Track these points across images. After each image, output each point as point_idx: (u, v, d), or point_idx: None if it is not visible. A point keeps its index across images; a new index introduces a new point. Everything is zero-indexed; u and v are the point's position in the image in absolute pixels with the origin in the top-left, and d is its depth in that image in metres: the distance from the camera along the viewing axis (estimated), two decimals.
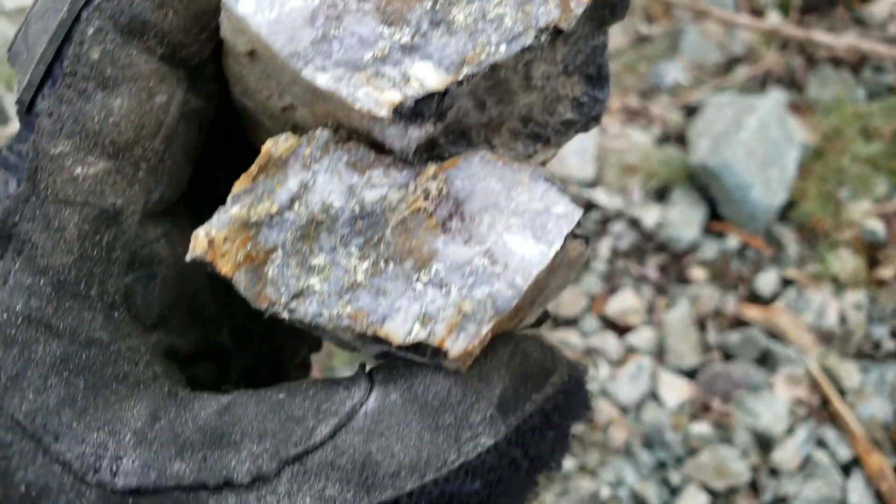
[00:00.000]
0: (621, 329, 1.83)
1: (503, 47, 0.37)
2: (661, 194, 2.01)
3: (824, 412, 1.71)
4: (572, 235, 0.38)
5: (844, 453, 1.64)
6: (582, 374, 0.38)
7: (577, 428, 1.61)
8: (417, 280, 0.36)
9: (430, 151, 0.40)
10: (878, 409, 1.69)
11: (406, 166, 0.38)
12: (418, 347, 0.35)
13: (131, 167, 0.36)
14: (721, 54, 2.19)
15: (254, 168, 0.36)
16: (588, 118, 0.44)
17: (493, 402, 0.35)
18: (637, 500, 1.67)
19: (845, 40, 2.01)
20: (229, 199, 0.36)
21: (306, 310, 0.36)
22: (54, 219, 0.35)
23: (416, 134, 0.37)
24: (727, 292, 1.84)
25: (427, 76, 0.36)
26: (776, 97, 1.98)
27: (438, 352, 0.35)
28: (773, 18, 2.20)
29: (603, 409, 1.70)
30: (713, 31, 2.21)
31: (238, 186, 0.36)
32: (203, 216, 0.40)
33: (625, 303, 1.83)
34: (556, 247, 0.35)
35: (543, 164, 0.45)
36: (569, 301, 1.83)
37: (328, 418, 0.35)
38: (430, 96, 0.36)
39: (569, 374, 0.38)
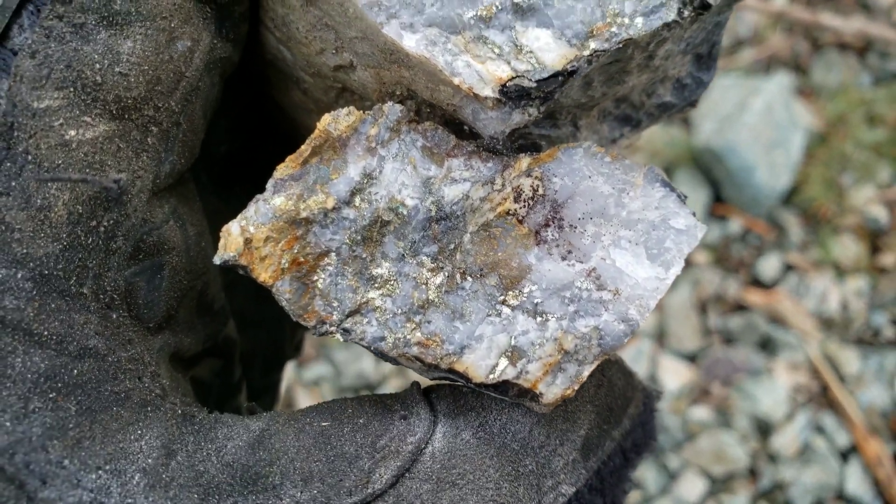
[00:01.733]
0: None
1: (639, 21, 0.29)
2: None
3: (824, 398, 1.70)
4: None
5: (843, 440, 1.63)
6: (654, 402, 0.34)
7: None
8: (504, 302, 0.29)
9: (515, 135, 0.33)
10: (877, 397, 1.68)
11: (492, 156, 0.30)
12: (501, 385, 0.28)
13: (139, 132, 0.28)
14: (727, 36, 2.16)
15: (305, 148, 0.29)
16: (686, 102, 0.38)
17: (578, 444, 0.30)
18: (635, 485, 1.64)
19: (852, 24, 1.98)
20: (270, 184, 0.29)
21: (364, 331, 0.29)
22: (36, 195, 0.26)
23: (518, 119, 0.29)
24: (728, 276, 1.82)
25: (545, 48, 0.28)
26: (781, 80, 1.96)
27: (527, 393, 0.28)
28: (780, 1, 2.17)
29: None
30: None
31: (283, 170, 0.29)
32: (202, 182, 0.34)
33: None
34: (676, 271, 0.29)
35: (628, 148, 0.39)
36: None
37: (388, 459, 0.28)
38: (555, 75, 0.28)
39: (644, 402, 0.33)
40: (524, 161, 0.30)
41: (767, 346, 1.76)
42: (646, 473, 1.60)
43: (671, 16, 0.29)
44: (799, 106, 1.98)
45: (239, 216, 0.28)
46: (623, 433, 0.32)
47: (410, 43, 0.28)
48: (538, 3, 0.29)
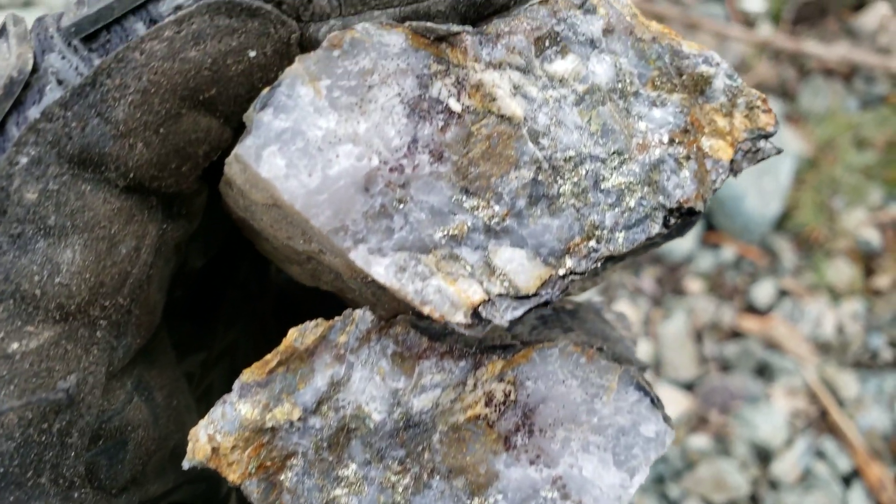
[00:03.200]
0: None
1: (621, 235, 0.28)
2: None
3: (823, 423, 1.70)
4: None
5: (844, 465, 1.63)
6: None
7: None
8: None
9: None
10: (877, 420, 1.67)
11: (465, 355, 0.29)
12: None
13: (87, 329, 0.27)
14: None
15: (271, 358, 0.28)
16: (678, 235, 0.34)
17: None
18: None
19: (836, 51, 2.02)
20: (237, 386, 0.28)
21: None
22: None
23: (494, 328, 0.29)
24: (723, 304, 1.84)
25: (518, 270, 0.27)
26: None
27: None
28: (765, 30, 2.21)
29: None
30: (705, 43, 2.21)
31: (249, 375, 0.28)
32: (177, 298, 0.33)
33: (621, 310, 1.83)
34: (640, 479, 0.28)
35: (610, 275, 0.38)
36: None
37: None
38: (529, 310, 0.27)
39: None
40: (498, 364, 0.29)
41: (764, 372, 1.77)
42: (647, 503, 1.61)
43: (655, 228, 0.27)
44: (787, 132, 2.00)
45: (206, 419, 0.28)
46: None
47: (379, 270, 0.26)
48: (512, 225, 0.27)
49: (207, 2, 0.26)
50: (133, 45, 0.26)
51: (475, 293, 0.26)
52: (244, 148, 0.26)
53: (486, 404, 0.29)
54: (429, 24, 0.27)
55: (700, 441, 1.67)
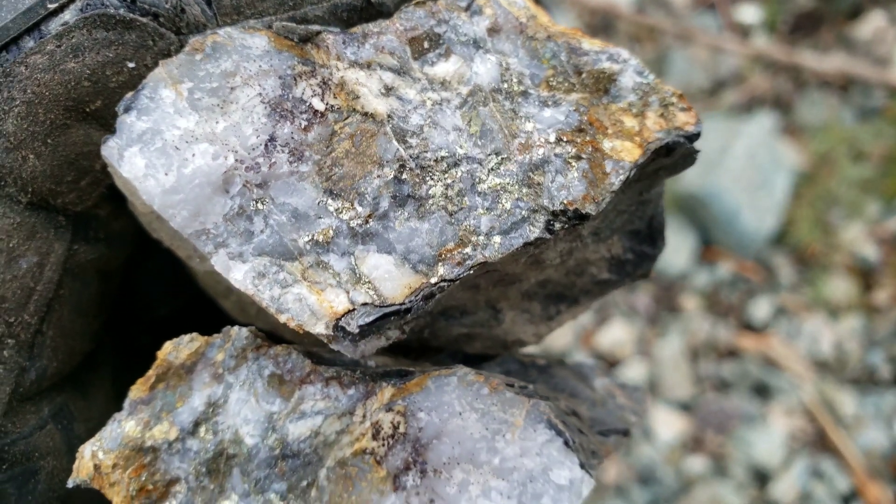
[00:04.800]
0: (612, 362, 1.80)
1: (496, 240, 0.26)
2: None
3: (821, 443, 1.68)
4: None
5: (843, 485, 1.61)
6: None
7: None
8: None
9: (411, 330, 0.29)
10: (876, 439, 1.65)
11: (355, 381, 0.28)
12: None
13: None
14: (707, 78, 2.18)
15: (151, 374, 0.28)
16: (633, 276, 0.34)
17: None
18: None
19: (832, 63, 2.00)
20: (126, 403, 0.28)
21: None
22: None
23: (373, 345, 0.27)
24: (720, 322, 1.82)
25: (385, 277, 0.26)
26: (763, 122, 1.97)
27: None
28: (760, 41, 2.18)
29: None
30: (699, 55, 2.20)
31: (136, 391, 0.28)
32: (144, 346, 0.32)
33: (615, 335, 1.81)
34: None
35: (572, 319, 0.34)
36: (557, 335, 1.80)
37: None
38: (385, 316, 0.25)
39: None
40: (387, 391, 0.27)
41: (761, 391, 1.75)
42: None
43: (535, 233, 0.26)
44: (783, 146, 1.98)
45: (96, 436, 0.28)
46: None
47: (237, 276, 0.26)
48: (377, 228, 0.26)
49: (86, 16, 0.27)
50: (19, 59, 0.27)
51: (340, 304, 0.25)
52: (107, 149, 0.26)
53: (373, 437, 0.26)
54: (290, 24, 0.27)
55: (696, 463, 1.65)
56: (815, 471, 1.64)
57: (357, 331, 0.25)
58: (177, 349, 0.28)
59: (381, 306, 0.26)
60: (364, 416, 0.27)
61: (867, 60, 2.06)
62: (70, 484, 0.27)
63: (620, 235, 0.33)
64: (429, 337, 0.32)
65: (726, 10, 2.23)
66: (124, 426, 0.27)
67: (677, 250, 1.90)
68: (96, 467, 0.27)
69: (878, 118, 2.01)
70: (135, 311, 0.37)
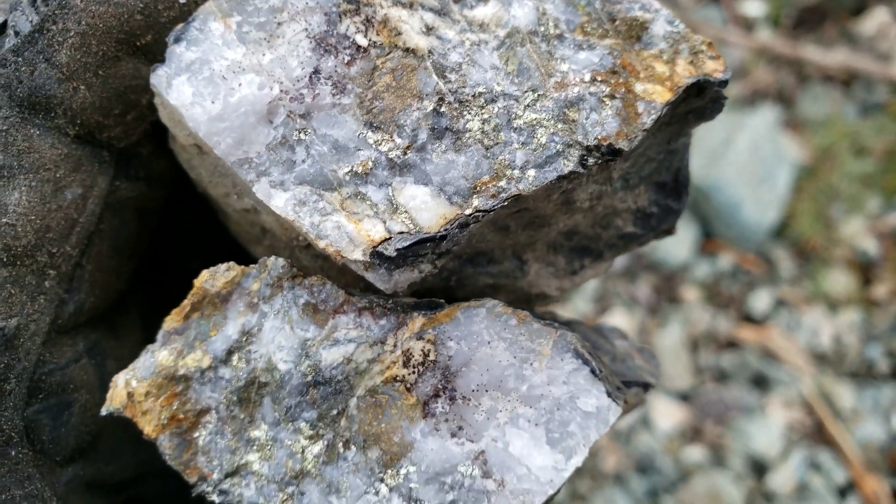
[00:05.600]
0: None
1: (531, 173, 0.27)
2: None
3: (819, 435, 1.68)
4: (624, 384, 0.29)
5: (840, 477, 1.61)
6: None
7: None
8: (382, 480, 0.26)
9: (436, 275, 0.31)
10: (873, 432, 1.66)
11: (387, 312, 0.28)
12: None
13: (34, 276, 0.28)
14: None
15: (186, 303, 0.28)
16: (657, 231, 0.34)
17: None
18: None
19: (835, 57, 2.00)
20: (159, 335, 0.28)
21: (241, 493, 0.27)
22: None
23: (406, 276, 0.28)
24: (719, 313, 1.82)
25: (421, 208, 0.26)
26: (766, 115, 1.97)
27: None
28: (764, 34, 2.18)
29: None
30: None
31: (170, 322, 0.28)
32: (174, 298, 0.32)
33: (616, 325, 1.81)
34: (577, 461, 0.26)
35: (594, 278, 0.35)
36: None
37: None
38: (421, 241, 0.26)
39: None
40: (418, 321, 0.28)
41: (760, 383, 1.75)
42: None
43: (569, 166, 0.27)
44: (785, 139, 1.98)
45: (129, 366, 0.28)
46: None
47: (279, 203, 0.27)
48: (414, 159, 0.27)
49: None
50: None
51: (377, 232, 0.26)
52: (156, 77, 0.27)
53: (404, 365, 0.27)
54: None
55: (695, 453, 1.65)
56: (812, 463, 1.65)
57: (394, 254, 0.26)
58: (213, 277, 0.28)
59: (417, 233, 0.26)
60: (395, 346, 0.28)
61: (870, 56, 2.06)
62: (104, 412, 0.28)
63: (647, 186, 0.33)
64: (455, 286, 0.33)
65: (730, 4, 2.23)
66: (157, 356, 0.28)
67: (679, 241, 1.90)
68: (129, 395, 0.27)
69: (881, 113, 2.01)
70: (166, 261, 0.37)
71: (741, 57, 2.15)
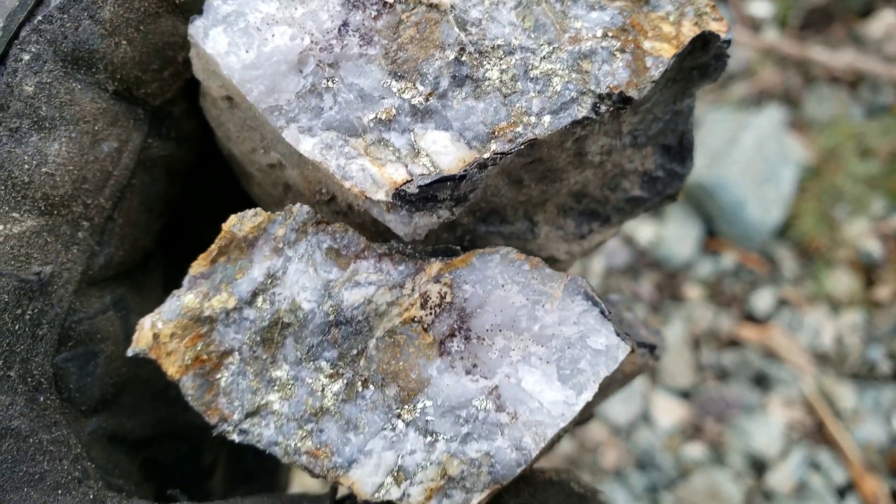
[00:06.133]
0: None
1: (547, 119, 0.28)
2: (655, 211, 1.99)
3: (819, 435, 1.68)
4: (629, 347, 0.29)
5: (839, 477, 1.62)
6: None
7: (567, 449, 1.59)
8: (399, 416, 0.28)
9: (451, 232, 0.32)
10: (874, 432, 1.66)
11: (405, 258, 0.29)
12: None
13: (69, 226, 0.30)
14: None
15: (213, 248, 0.29)
16: (662, 196, 0.35)
17: None
18: None
19: (842, 59, 2.00)
20: (186, 280, 0.29)
21: (261, 433, 0.28)
22: None
23: (426, 221, 0.29)
24: (722, 312, 1.82)
25: (442, 152, 0.28)
26: (772, 115, 1.97)
27: None
28: (771, 35, 2.18)
29: (594, 431, 1.67)
30: None
31: (196, 267, 0.30)
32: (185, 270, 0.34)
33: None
34: (587, 396, 0.27)
35: (600, 245, 0.36)
36: None
37: None
38: (442, 180, 0.27)
39: None
40: (435, 266, 0.29)
41: (761, 382, 1.75)
42: None
43: (582, 112, 0.28)
44: (791, 140, 1.98)
45: (155, 310, 0.29)
46: None
47: (307, 147, 0.28)
48: (437, 105, 0.28)
49: None
50: None
51: (399, 175, 0.27)
52: (194, 28, 0.28)
53: (422, 306, 0.29)
54: None
55: (695, 450, 1.66)
56: (812, 462, 1.65)
57: (417, 191, 0.27)
58: (241, 221, 0.29)
59: (439, 173, 0.28)
60: (413, 289, 0.29)
61: (877, 57, 2.06)
62: (130, 353, 0.28)
63: (654, 148, 0.35)
64: (468, 246, 0.34)
65: (738, 4, 2.23)
66: (183, 299, 0.29)
67: (682, 239, 1.90)
68: (155, 337, 0.28)
69: (887, 115, 2.01)
70: (188, 229, 0.38)
71: (748, 57, 2.15)
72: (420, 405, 0.28)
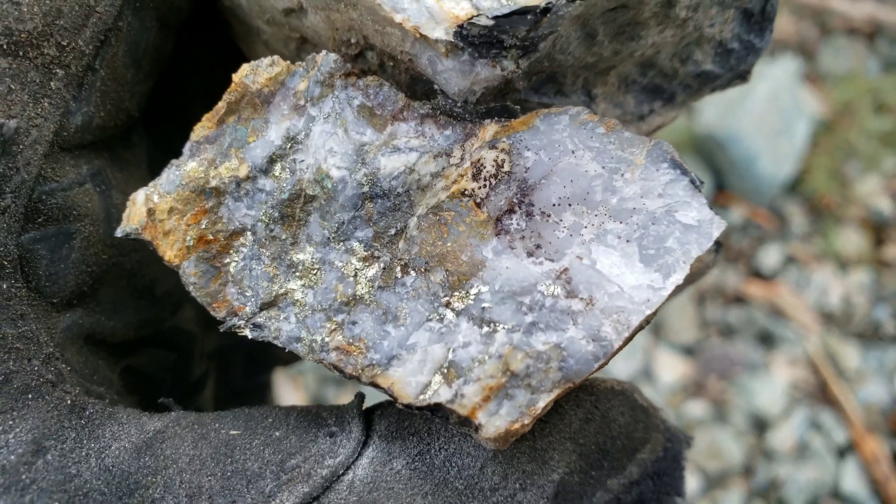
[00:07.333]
0: None
1: None
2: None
3: (822, 395, 1.66)
4: None
5: (840, 437, 1.60)
6: (681, 449, 0.27)
7: None
8: (448, 305, 0.23)
9: (501, 98, 0.27)
10: (876, 393, 1.64)
11: (453, 121, 0.24)
12: (437, 409, 0.23)
13: (38, 73, 0.24)
14: None
15: (221, 105, 0.25)
16: (734, 73, 0.32)
17: (548, 491, 0.24)
18: None
19: (862, 9, 1.92)
20: (187, 147, 0.25)
21: (279, 328, 0.24)
22: None
23: (487, 73, 0.24)
24: (728, 267, 1.78)
25: None
26: (787, 66, 1.89)
27: (467, 422, 0.23)
28: None
29: None
30: None
31: (199, 131, 0.25)
32: (179, 144, 0.31)
33: None
34: (677, 279, 0.23)
35: (658, 129, 0.32)
36: None
37: (295, 483, 0.23)
38: (522, 13, 0.22)
39: (665, 447, 0.26)
40: (490, 128, 0.24)
41: (766, 340, 1.72)
42: None
43: None
44: (805, 93, 1.92)
45: (150, 183, 0.24)
46: (625, 483, 0.26)
47: None
48: None
49: None
50: None
51: (462, 9, 0.22)
52: None
53: (474, 177, 0.24)
54: None
55: (697, 408, 1.63)
56: (813, 422, 1.63)
57: (491, 23, 0.21)
58: (255, 72, 0.24)
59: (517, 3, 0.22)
60: (462, 158, 0.24)
61: None
62: (118, 233, 0.24)
63: (736, 11, 0.30)
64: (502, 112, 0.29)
65: None
66: (184, 167, 0.24)
67: None
68: (150, 213, 0.23)
69: None
70: (177, 104, 0.33)
71: None
72: (474, 291, 0.23)
